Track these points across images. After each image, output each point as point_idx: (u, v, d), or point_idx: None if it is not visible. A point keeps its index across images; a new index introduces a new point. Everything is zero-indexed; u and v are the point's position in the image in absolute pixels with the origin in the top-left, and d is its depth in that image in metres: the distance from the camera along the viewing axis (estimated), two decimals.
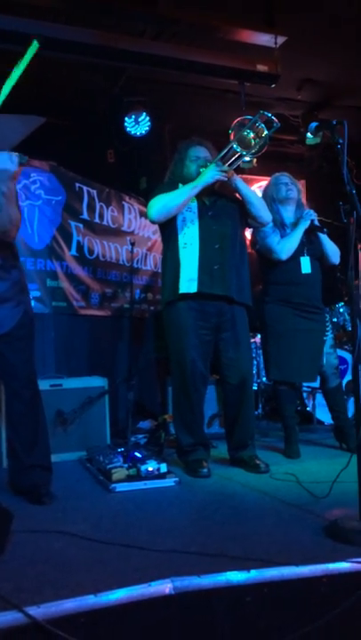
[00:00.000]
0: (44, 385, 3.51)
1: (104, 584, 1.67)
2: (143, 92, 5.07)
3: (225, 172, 3.17)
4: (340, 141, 2.31)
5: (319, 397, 4.52)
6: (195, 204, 3.24)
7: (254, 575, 1.74)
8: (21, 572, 1.82)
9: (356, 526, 2.08)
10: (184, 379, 3.19)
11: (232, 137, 3.13)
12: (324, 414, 4.55)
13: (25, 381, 2.73)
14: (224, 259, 3.19)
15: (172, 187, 3.27)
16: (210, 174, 3.16)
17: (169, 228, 3.26)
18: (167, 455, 3.50)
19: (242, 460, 3.26)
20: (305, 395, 4.61)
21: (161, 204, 3.19)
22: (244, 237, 3.43)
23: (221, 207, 3.31)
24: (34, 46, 2.43)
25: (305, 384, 4.35)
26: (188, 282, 3.13)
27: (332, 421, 3.87)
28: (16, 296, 2.70)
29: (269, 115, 3.05)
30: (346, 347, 4.60)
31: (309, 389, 4.52)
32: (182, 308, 3.18)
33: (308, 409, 4.55)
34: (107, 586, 1.65)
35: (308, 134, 4.82)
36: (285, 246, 3.51)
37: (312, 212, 3.63)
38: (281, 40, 4.09)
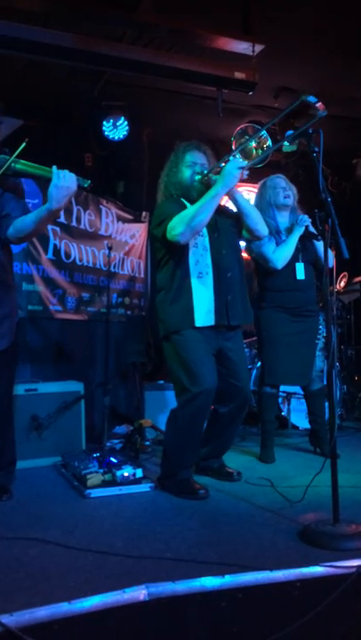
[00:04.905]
0: (18, 390, 3.48)
1: (78, 591, 1.66)
2: (122, 97, 5.08)
3: (243, 167, 2.82)
4: (316, 150, 2.36)
5: (294, 402, 4.56)
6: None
7: (229, 580, 1.75)
8: None
9: (330, 530, 2.11)
10: (197, 407, 2.85)
11: (234, 145, 2.96)
12: (298, 419, 4.59)
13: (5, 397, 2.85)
14: (235, 286, 3.01)
15: (177, 202, 3.00)
16: (233, 174, 2.77)
17: (178, 252, 2.93)
18: (143, 460, 3.49)
19: (211, 469, 3.19)
20: (280, 399, 4.63)
21: (185, 224, 2.83)
22: (241, 252, 3.25)
23: (222, 225, 3.06)
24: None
25: (281, 388, 4.37)
26: (206, 314, 2.91)
27: (306, 426, 3.87)
28: (14, 313, 2.84)
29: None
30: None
31: (284, 394, 4.55)
32: (195, 337, 2.91)
33: (283, 414, 4.58)
34: (81, 593, 1.65)
35: (285, 142, 4.86)
36: (281, 255, 3.49)
37: (306, 217, 3.55)
38: (259, 48, 4.13)
